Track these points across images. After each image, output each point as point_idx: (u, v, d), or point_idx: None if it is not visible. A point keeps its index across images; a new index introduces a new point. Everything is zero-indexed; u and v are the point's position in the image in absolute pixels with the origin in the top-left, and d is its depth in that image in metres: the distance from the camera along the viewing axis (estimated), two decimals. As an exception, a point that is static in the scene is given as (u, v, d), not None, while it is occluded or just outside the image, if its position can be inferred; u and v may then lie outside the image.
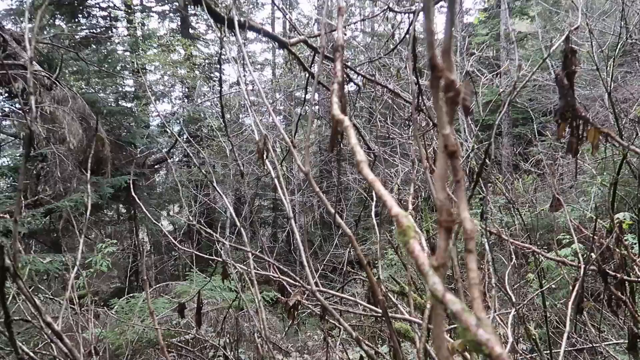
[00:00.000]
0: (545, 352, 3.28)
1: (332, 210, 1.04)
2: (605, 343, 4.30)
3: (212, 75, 15.96)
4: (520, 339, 4.72)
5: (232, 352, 2.70)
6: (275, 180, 1.46)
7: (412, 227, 0.58)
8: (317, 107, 15.42)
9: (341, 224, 1.11)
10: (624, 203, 6.41)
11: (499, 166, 11.28)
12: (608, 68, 4.14)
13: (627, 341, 2.27)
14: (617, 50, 3.50)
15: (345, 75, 2.91)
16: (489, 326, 0.45)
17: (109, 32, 13.52)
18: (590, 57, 4.62)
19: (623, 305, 1.87)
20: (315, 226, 15.50)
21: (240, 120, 16.40)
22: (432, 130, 2.71)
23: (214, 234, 1.98)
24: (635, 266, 2.10)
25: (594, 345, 4.33)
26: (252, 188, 13.48)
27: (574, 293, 1.75)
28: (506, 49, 15.01)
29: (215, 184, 2.10)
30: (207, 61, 16.19)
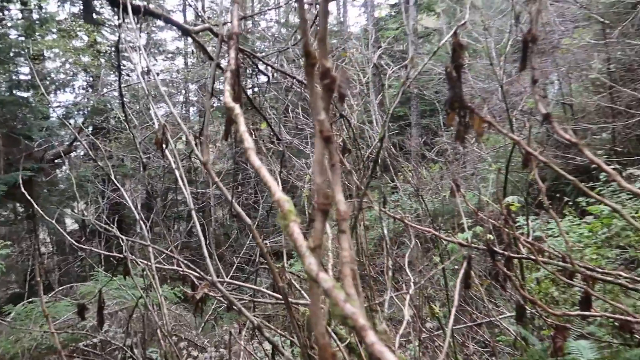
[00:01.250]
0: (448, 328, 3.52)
1: (230, 197, 1.03)
2: (500, 317, 4.69)
3: (118, 63, 15.08)
4: (428, 318, 5.02)
5: (141, 352, 2.60)
6: (176, 172, 1.42)
7: (293, 211, 0.60)
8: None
9: (240, 212, 1.11)
10: (517, 188, 6.99)
11: (408, 155, 11.81)
12: (501, 63, 4.48)
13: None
14: (508, 46, 3.80)
15: (254, 66, 2.88)
16: (356, 301, 0.48)
17: (0, 14, 12.30)
18: (485, 52, 4.98)
19: (509, 280, 2.05)
20: (232, 219, 15.28)
21: (151, 111, 15.67)
22: (339, 121, 2.77)
23: (114, 230, 1.89)
24: (520, 244, 2.31)
25: (491, 319, 4.72)
26: (164, 182, 12.99)
27: (462, 271, 1.89)
28: (414, 43, 15.67)
29: (113, 178, 2.00)
30: (113, 48, 15.27)
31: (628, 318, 1.94)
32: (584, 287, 2.22)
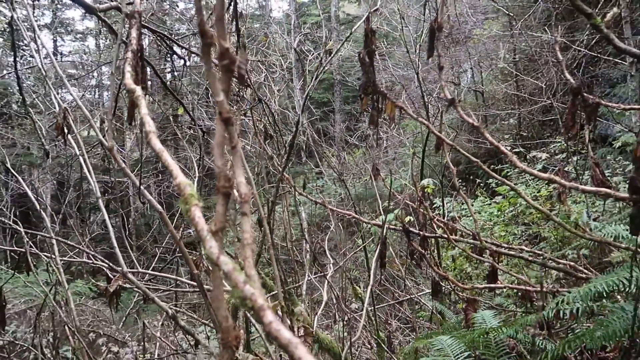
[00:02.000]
0: (369, 308, 3.65)
1: (138, 183, 0.99)
2: (420, 293, 4.94)
3: (20, 43, 13.86)
4: (353, 299, 5.17)
5: (51, 352, 2.44)
6: (81, 159, 1.34)
7: (195, 195, 0.58)
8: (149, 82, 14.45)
9: (151, 200, 1.07)
10: (434, 171, 7.34)
11: (332, 141, 11.97)
12: (417, 51, 4.65)
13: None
14: (424, 35, 3.95)
15: (169, 49, 2.76)
16: (256, 282, 0.48)
17: None
18: (401, 41, 5.14)
19: (424, 259, 2.16)
20: (152, 209, 14.72)
21: (60, 95, 14.60)
22: (260, 105, 2.74)
23: (10, 223, 1.75)
24: (434, 224, 2.43)
25: (411, 296, 4.95)
26: (76, 171, 12.21)
27: (377, 251, 1.96)
28: (337, 30, 15.82)
29: (10, 167, 1.84)
30: (16, 27, 13.96)
31: (527, 288, 2.11)
32: (490, 262, 2.39)
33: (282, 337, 0.43)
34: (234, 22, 2.30)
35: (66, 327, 1.58)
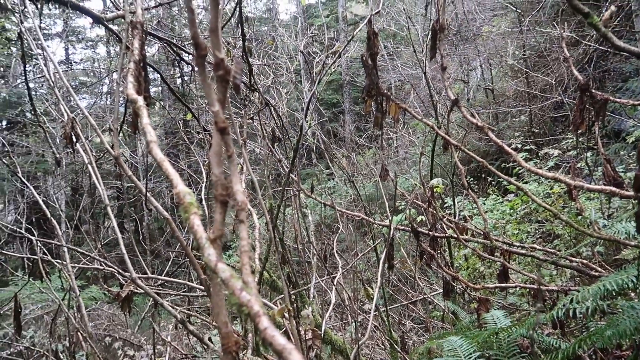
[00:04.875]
0: (382, 309, 3.65)
1: (144, 190, 1.01)
2: (432, 293, 4.92)
3: (32, 52, 14.09)
4: (366, 300, 5.16)
5: (67, 357, 2.48)
6: (89, 167, 1.36)
7: (194, 203, 0.59)
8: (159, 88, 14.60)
9: (157, 206, 1.08)
10: (446, 171, 7.30)
11: (342, 142, 11.97)
12: (425, 51, 4.63)
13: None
14: (429, 34, 3.93)
15: (177, 55, 2.79)
16: (253, 289, 0.49)
17: None
18: (409, 40, 5.13)
19: (433, 259, 2.15)
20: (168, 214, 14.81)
21: (72, 102, 14.81)
22: (266, 109, 2.76)
23: (22, 232, 1.78)
24: (443, 224, 2.42)
25: (424, 296, 4.93)
26: (90, 177, 12.36)
27: (384, 253, 1.96)
28: (345, 31, 15.82)
29: (20, 175, 1.87)
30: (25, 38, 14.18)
31: (539, 287, 2.10)
32: (501, 261, 2.37)
33: (276, 343, 0.43)
34: (240, 27, 2.32)
35: (79, 334, 1.61)
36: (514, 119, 9.19)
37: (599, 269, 2.33)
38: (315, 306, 3.33)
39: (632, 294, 2.03)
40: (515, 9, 7.94)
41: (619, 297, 1.91)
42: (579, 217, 4.11)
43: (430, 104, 8.10)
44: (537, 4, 8.02)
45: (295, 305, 1.53)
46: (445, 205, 6.57)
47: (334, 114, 15.61)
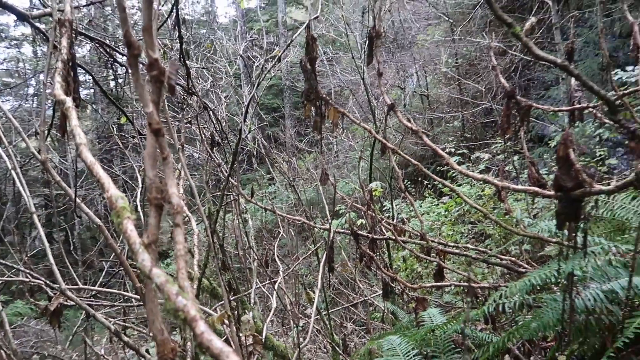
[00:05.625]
0: (324, 312, 3.68)
1: (73, 195, 0.96)
2: (372, 295, 5.01)
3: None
4: (307, 304, 5.17)
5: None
6: (13, 173, 1.28)
7: (127, 208, 0.57)
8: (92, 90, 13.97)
9: (88, 213, 1.04)
10: (384, 174, 7.48)
11: (282, 147, 11.97)
12: (363, 57, 4.74)
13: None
14: (365, 41, 4.03)
15: (110, 56, 2.68)
16: (189, 294, 0.48)
17: None
18: (348, 46, 5.24)
19: (372, 261, 2.20)
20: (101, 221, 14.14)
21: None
22: (205, 113, 2.71)
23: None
24: (382, 226, 2.48)
25: (365, 298, 5.01)
26: (13, 185, 11.58)
27: (325, 256, 1.98)
28: (284, 36, 15.86)
29: None
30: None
31: (470, 284, 2.20)
32: (437, 261, 2.46)
33: (213, 347, 0.43)
34: (177, 29, 2.27)
35: (2, 352, 1.49)
36: (448, 124, 9.59)
37: (526, 265, 2.48)
38: (256, 312, 3.30)
39: (555, 288, 2.17)
40: (448, 18, 8.31)
41: (544, 291, 2.04)
42: (507, 217, 4.34)
43: (368, 109, 8.28)
44: (468, 14, 8.44)
45: (236, 311, 1.51)
46: (384, 209, 6.73)
47: (274, 119, 15.57)
